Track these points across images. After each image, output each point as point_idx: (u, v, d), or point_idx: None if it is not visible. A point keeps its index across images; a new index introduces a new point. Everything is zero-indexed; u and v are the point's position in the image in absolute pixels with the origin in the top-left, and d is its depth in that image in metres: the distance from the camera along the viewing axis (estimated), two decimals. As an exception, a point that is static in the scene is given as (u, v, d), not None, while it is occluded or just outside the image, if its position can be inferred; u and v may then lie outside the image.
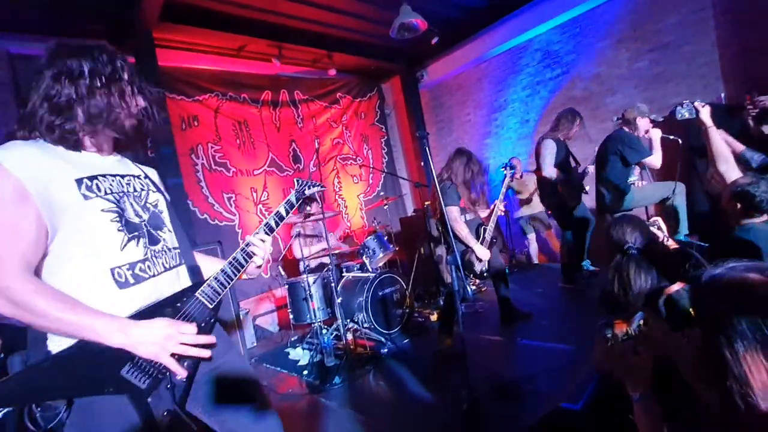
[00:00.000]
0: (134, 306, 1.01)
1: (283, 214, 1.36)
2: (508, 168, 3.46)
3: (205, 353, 1.04)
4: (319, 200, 3.85)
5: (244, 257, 1.23)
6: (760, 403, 0.63)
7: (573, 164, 4.03)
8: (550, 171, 3.77)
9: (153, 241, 1.12)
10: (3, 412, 1.54)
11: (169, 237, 1.19)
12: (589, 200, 4.00)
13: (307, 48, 5.08)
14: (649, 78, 4.54)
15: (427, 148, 2.30)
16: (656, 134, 3.36)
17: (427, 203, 4.24)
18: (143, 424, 0.95)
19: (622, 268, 1.38)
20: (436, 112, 6.82)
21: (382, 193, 6.48)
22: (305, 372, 3.25)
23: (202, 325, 1.10)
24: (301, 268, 3.93)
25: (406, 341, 3.56)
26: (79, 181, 1.01)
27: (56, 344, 0.95)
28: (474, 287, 4.67)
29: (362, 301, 3.57)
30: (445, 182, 3.21)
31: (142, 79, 1.14)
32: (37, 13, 3.51)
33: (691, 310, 0.82)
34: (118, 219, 1.05)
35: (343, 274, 4.12)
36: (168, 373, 1.01)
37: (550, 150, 3.76)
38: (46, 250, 0.97)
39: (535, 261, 5.47)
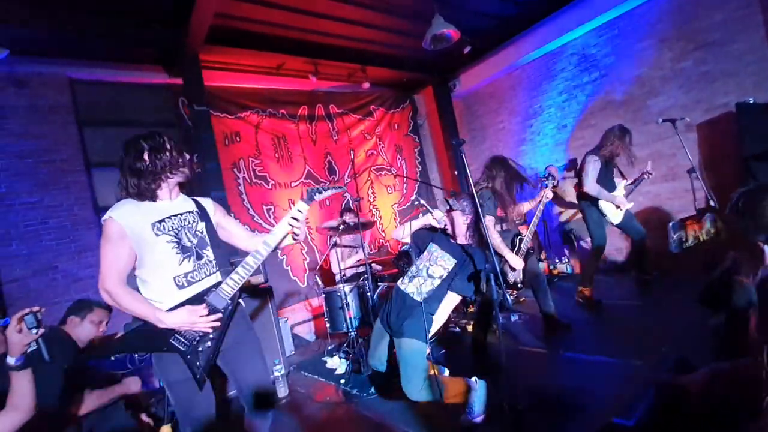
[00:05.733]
0: (185, 299, 1.65)
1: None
2: (549, 179, 3.38)
3: (216, 324, 1.67)
4: (355, 211, 3.91)
5: (254, 261, 1.74)
6: None
7: (619, 179, 3.89)
8: (591, 187, 3.69)
9: (199, 257, 1.73)
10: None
11: (210, 253, 1.77)
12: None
13: (342, 63, 5.24)
14: (695, 78, 4.34)
15: (463, 157, 2.28)
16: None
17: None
18: (185, 369, 1.62)
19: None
20: (469, 121, 6.79)
21: (416, 203, 6.47)
22: (342, 381, 3.28)
23: (222, 310, 1.69)
24: (337, 277, 3.99)
25: (442, 352, 3.51)
26: (153, 224, 1.63)
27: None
28: (512, 296, 4.56)
29: (399, 310, 3.55)
30: (483, 191, 3.17)
31: (180, 146, 1.75)
32: (94, 41, 3.81)
33: None
34: (176, 246, 1.66)
35: (378, 284, 4.13)
36: (199, 340, 1.65)
37: (593, 166, 3.69)
38: (136, 268, 1.65)
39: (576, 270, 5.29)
